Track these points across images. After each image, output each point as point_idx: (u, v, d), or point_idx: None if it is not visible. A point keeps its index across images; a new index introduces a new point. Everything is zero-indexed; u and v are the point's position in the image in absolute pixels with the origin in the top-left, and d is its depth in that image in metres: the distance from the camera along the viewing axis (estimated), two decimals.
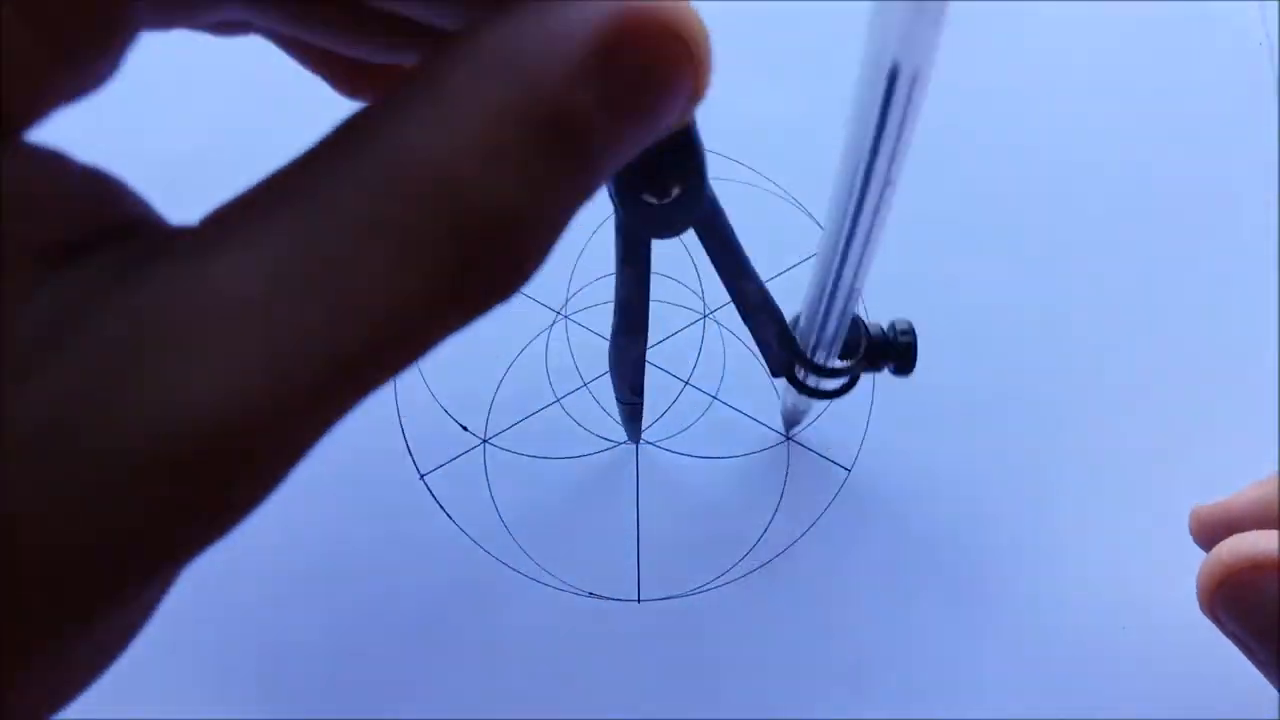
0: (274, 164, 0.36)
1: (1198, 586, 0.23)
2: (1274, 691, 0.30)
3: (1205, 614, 0.24)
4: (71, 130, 0.38)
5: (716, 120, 0.34)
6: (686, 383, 0.34)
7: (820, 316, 0.24)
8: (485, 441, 0.33)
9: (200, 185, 0.38)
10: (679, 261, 0.36)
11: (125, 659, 0.32)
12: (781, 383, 0.29)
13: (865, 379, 0.34)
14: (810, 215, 0.37)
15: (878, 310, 0.35)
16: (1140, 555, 0.32)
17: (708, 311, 0.35)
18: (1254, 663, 0.24)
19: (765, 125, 0.37)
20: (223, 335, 0.12)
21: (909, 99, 0.15)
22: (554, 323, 0.35)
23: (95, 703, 0.31)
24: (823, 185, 0.37)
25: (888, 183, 0.18)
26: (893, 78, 0.15)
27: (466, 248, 0.14)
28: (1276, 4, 0.34)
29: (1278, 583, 0.22)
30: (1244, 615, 0.23)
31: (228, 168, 0.38)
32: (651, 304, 0.35)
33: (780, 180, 0.37)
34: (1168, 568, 0.32)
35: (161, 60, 0.38)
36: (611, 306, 0.34)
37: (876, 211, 0.19)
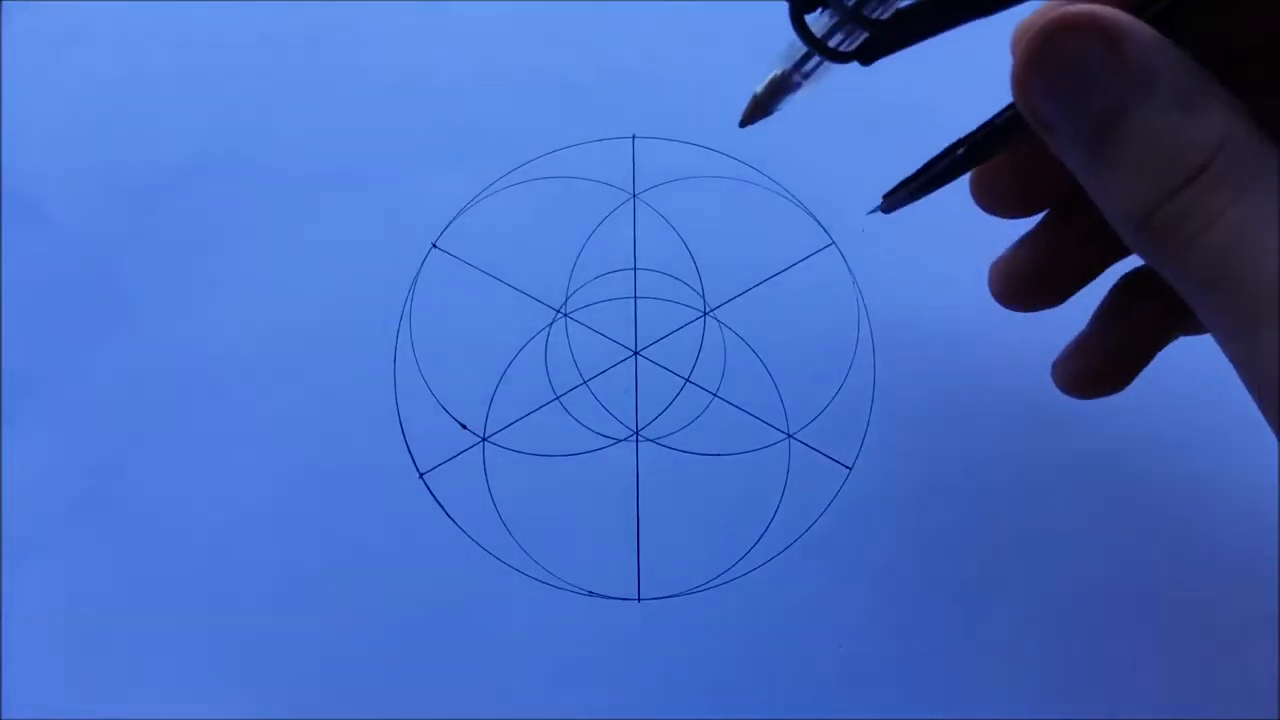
0: (264, 169, 0.36)
1: (1014, 73, 0.23)
2: (1274, 691, 0.30)
3: (1019, 102, 0.23)
4: (66, 135, 0.38)
5: (717, 120, 0.34)
6: (687, 380, 0.34)
7: None
8: (484, 440, 0.33)
9: (191, 191, 0.38)
10: (680, 260, 0.36)
11: (126, 658, 0.33)
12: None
13: (866, 377, 0.34)
14: (811, 214, 0.36)
15: (879, 305, 0.35)
16: (1140, 555, 0.32)
17: (708, 309, 0.35)
18: (1055, 143, 0.23)
19: (766, 124, 0.37)
20: None
21: None
22: (553, 321, 0.35)
23: (95, 702, 0.31)
24: (823, 185, 0.37)
25: None
26: None
27: None
28: None
29: (1089, 36, 0.21)
30: (1054, 81, 0.22)
31: (219, 174, 0.38)
32: (651, 302, 0.35)
33: (780, 180, 0.37)
34: (1167, 567, 0.32)
35: (154, 66, 0.39)
36: (609, 306, 0.34)
37: None
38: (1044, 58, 0.22)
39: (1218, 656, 0.27)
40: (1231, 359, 0.21)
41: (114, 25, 0.39)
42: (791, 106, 0.28)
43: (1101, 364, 0.30)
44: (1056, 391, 0.34)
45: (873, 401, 0.34)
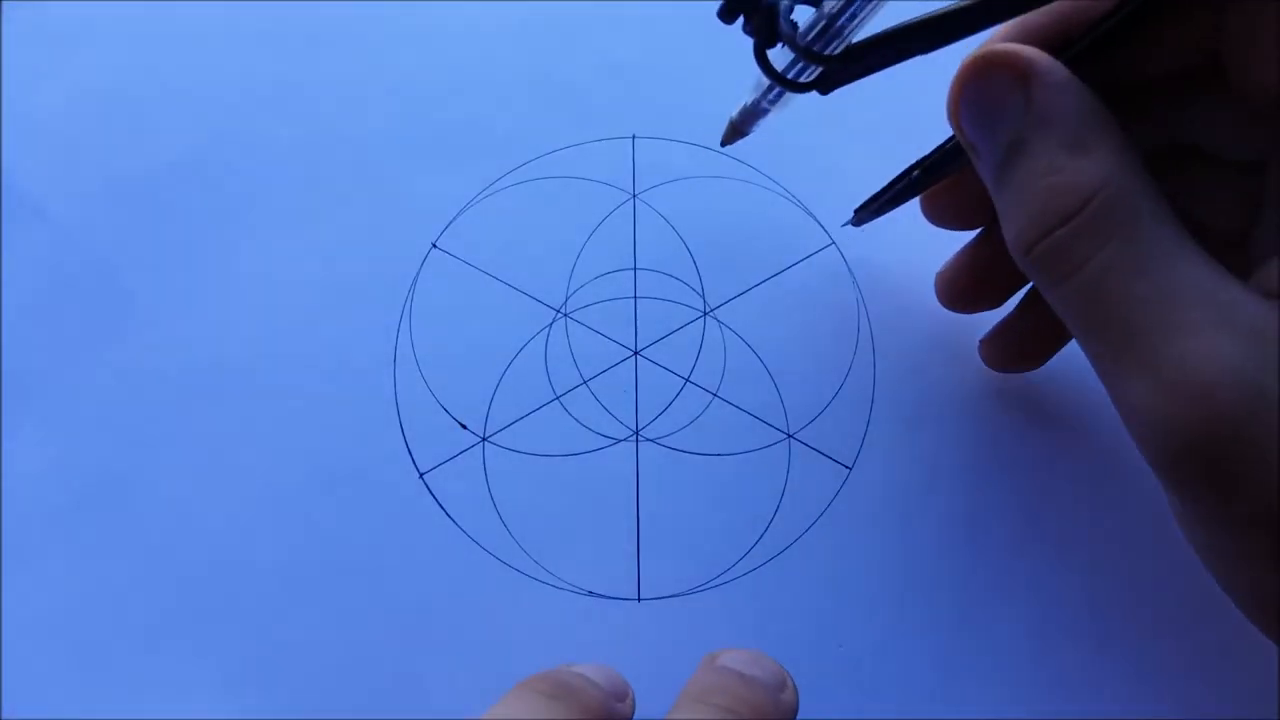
0: (264, 169, 0.36)
1: (948, 99, 0.25)
2: (1274, 691, 0.30)
3: (950, 123, 0.26)
4: (66, 135, 0.38)
5: (717, 120, 0.34)
6: (687, 380, 0.34)
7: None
8: (484, 440, 0.33)
9: (191, 191, 0.38)
10: (680, 261, 0.36)
11: (126, 658, 0.33)
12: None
13: (866, 377, 0.34)
14: (811, 214, 0.37)
15: (879, 306, 0.35)
16: (1140, 554, 0.32)
17: (708, 309, 0.35)
18: (978, 166, 0.25)
19: (766, 126, 0.37)
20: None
21: None
22: (553, 321, 0.35)
23: (95, 702, 0.31)
24: (822, 185, 0.37)
25: None
26: None
27: None
28: None
29: (1005, 74, 0.24)
30: (974, 110, 0.25)
31: (218, 174, 0.38)
32: (651, 302, 0.35)
33: (780, 180, 0.37)
34: (1167, 567, 0.32)
35: (154, 66, 0.39)
36: (609, 306, 0.34)
37: None
38: (969, 86, 0.24)
39: (1218, 656, 0.27)
40: (1103, 384, 0.23)
41: (114, 25, 0.39)
42: (781, 119, 0.31)
43: (1020, 344, 0.33)
44: (1056, 391, 0.34)
45: (873, 401, 0.34)
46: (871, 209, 0.33)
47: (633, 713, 0.29)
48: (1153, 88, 0.26)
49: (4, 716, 0.30)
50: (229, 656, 0.31)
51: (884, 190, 0.32)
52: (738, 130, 0.32)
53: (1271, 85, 0.23)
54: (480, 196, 0.37)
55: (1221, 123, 0.26)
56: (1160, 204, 0.22)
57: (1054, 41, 0.25)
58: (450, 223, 0.36)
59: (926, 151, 0.30)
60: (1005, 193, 0.24)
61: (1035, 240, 0.23)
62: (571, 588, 0.32)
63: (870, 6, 0.24)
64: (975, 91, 0.24)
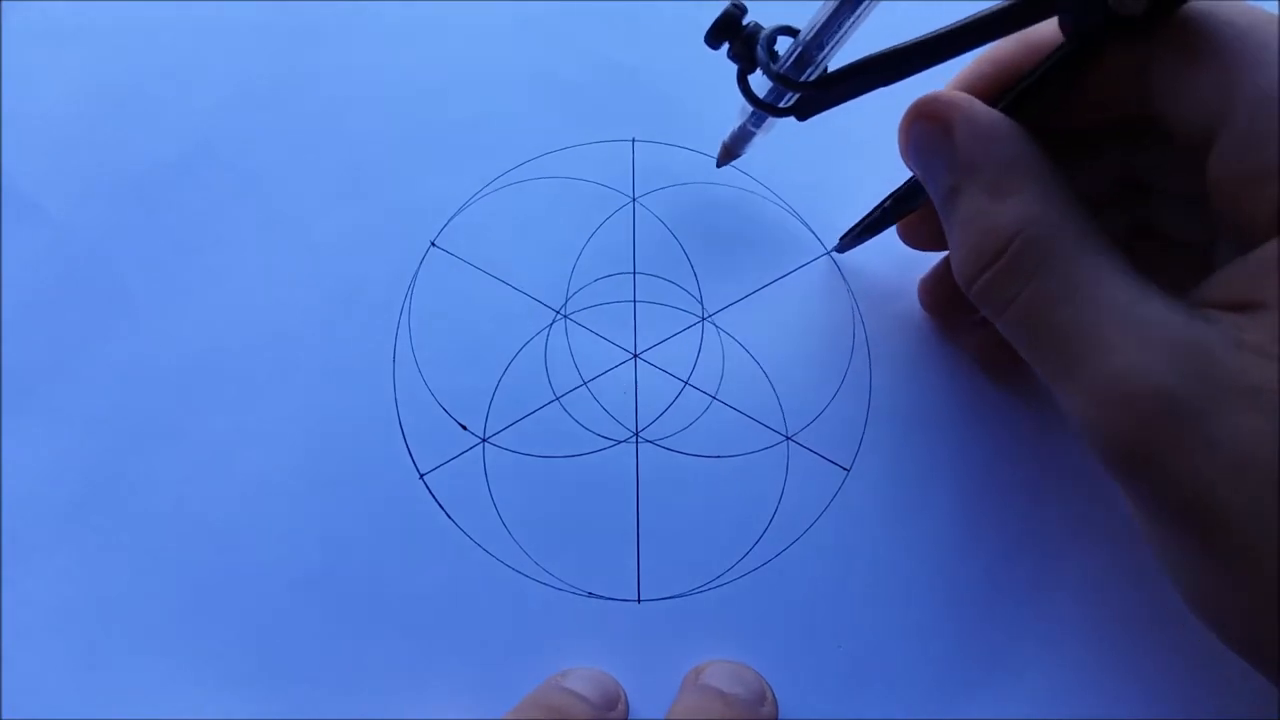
0: (263, 167, 0.36)
1: (898, 140, 0.28)
2: (1274, 691, 0.30)
3: (905, 163, 0.28)
4: (66, 134, 0.38)
5: (714, 127, 0.34)
6: (686, 383, 0.34)
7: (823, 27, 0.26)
8: (484, 440, 0.33)
9: (191, 189, 0.38)
10: (679, 264, 0.36)
11: (127, 658, 0.32)
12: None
13: (863, 380, 0.34)
14: (804, 223, 0.37)
15: (874, 310, 0.35)
16: (1138, 553, 0.32)
17: (706, 315, 0.35)
18: (933, 195, 0.27)
19: (755, 145, 0.37)
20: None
21: None
22: (553, 321, 0.35)
23: (95, 702, 0.31)
24: (818, 192, 0.37)
25: None
26: None
27: None
28: (1276, 4, 0.34)
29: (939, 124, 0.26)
30: (918, 154, 0.27)
31: (218, 172, 0.38)
32: (651, 306, 0.35)
33: (776, 189, 0.37)
34: None
35: (153, 65, 0.39)
36: (608, 308, 0.34)
37: None
38: (910, 130, 0.27)
39: (1218, 656, 0.27)
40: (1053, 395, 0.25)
41: (114, 25, 0.39)
42: (776, 134, 0.32)
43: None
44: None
45: (869, 404, 0.34)
46: (851, 237, 0.35)
47: (626, 716, 0.30)
48: (1099, 129, 0.28)
49: (4, 717, 0.30)
50: (229, 656, 0.31)
51: (861, 221, 0.34)
52: (730, 152, 0.34)
53: (1196, 123, 0.24)
54: (479, 195, 0.37)
55: (1161, 163, 0.28)
56: (1085, 234, 0.24)
57: (1004, 84, 0.27)
58: (449, 221, 0.36)
59: (899, 184, 0.31)
60: (949, 231, 0.26)
61: (972, 278, 0.25)
62: (571, 588, 0.32)
63: (838, 36, 0.26)
64: (911, 136, 0.27)
